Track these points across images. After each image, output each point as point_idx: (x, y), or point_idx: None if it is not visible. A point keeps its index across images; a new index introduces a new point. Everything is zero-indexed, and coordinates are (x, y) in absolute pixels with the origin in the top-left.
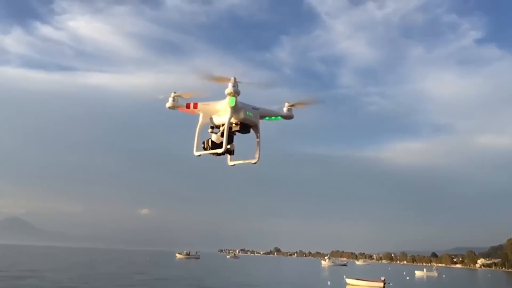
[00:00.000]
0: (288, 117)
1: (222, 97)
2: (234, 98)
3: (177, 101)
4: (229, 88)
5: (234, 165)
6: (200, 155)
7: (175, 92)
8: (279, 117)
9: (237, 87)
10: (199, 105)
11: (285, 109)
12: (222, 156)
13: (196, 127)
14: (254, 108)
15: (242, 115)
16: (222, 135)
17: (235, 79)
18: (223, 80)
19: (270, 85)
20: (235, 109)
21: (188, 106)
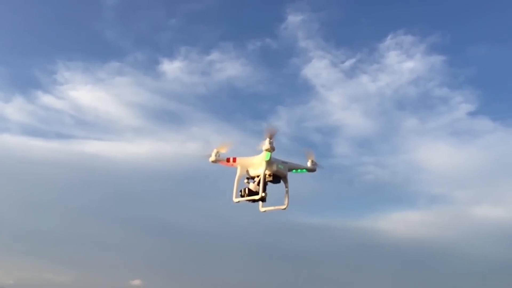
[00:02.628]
0: (312, 170)
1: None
2: (269, 153)
3: (219, 156)
4: (266, 145)
5: (265, 211)
6: (238, 202)
7: (216, 148)
8: (304, 170)
9: (273, 144)
10: (238, 159)
11: (308, 163)
12: (249, 205)
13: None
14: (284, 162)
15: (274, 168)
16: (258, 184)
17: (270, 136)
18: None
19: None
20: (269, 163)
21: (228, 160)
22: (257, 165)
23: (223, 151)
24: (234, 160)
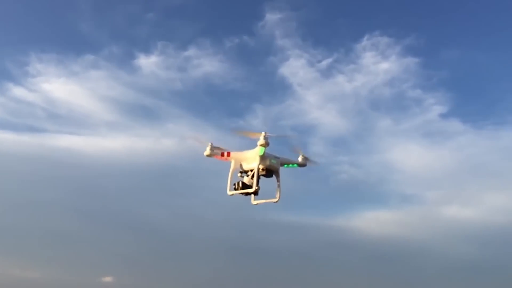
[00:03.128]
0: (303, 165)
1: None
2: (263, 148)
3: (213, 150)
4: (261, 140)
5: (257, 204)
6: (232, 194)
7: (211, 143)
8: (295, 165)
9: (267, 139)
10: (232, 153)
11: (299, 159)
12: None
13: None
14: (276, 157)
15: (268, 162)
16: (252, 178)
17: (265, 133)
18: (255, 135)
19: (293, 136)
20: (262, 157)
21: (222, 155)
22: (251, 160)
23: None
24: (229, 154)
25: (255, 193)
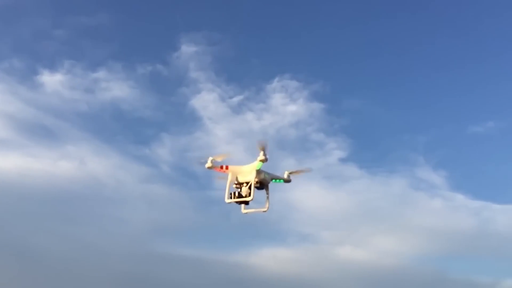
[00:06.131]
0: (287, 181)
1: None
2: (261, 163)
3: (214, 163)
4: (261, 156)
5: (246, 213)
6: (230, 202)
7: (212, 157)
8: (282, 180)
9: (267, 155)
10: (230, 167)
11: (285, 175)
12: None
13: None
14: (267, 173)
15: (262, 176)
16: (249, 189)
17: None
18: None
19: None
20: (258, 171)
21: (221, 167)
22: (247, 173)
23: (219, 159)
24: (227, 167)
25: (247, 202)
